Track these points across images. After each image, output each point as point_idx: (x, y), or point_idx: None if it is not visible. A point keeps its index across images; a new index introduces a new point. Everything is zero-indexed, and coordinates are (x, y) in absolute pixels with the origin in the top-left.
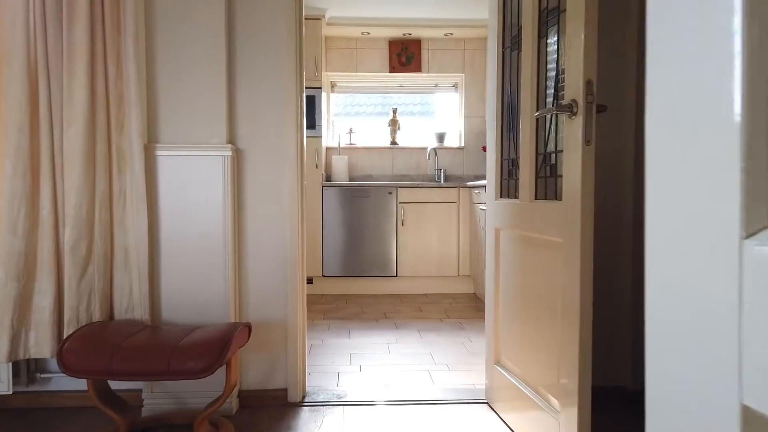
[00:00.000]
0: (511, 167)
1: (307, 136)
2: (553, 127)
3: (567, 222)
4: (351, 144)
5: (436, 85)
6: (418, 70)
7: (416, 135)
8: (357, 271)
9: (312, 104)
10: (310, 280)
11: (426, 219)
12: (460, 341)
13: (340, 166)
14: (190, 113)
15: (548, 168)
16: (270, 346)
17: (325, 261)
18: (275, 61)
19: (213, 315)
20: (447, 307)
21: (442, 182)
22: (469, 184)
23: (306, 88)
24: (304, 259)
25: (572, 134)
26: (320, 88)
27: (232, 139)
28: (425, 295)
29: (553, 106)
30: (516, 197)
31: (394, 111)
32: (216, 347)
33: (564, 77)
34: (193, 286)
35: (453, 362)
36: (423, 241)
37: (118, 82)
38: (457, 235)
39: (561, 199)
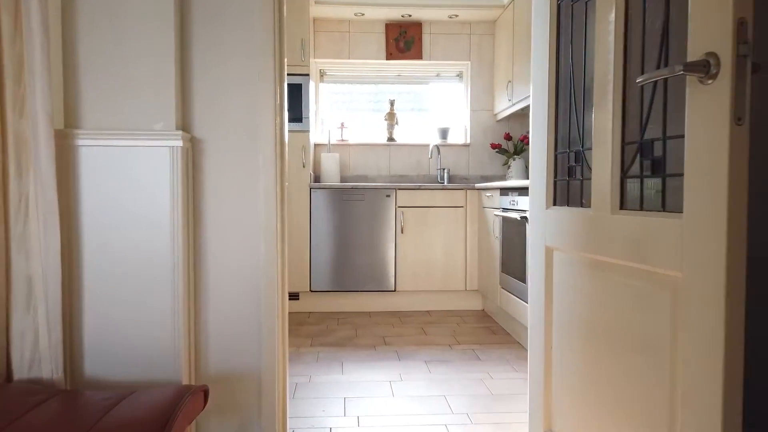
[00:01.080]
0: (572, 163)
1: (292, 131)
2: (655, 102)
3: (693, 247)
4: (343, 140)
5: (438, 75)
6: (419, 57)
7: (416, 130)
8: (350, 285)
9: (297, 94)
10: (296, 296)
11: (428, 225)
12: (478, 377)
13: (330, 165)
14: (125, 89)
15: (648, 163)
16: (237, 408)
17: (313, 274)
18: (248, 37)
19: (157, 369)
20: (455, 329)
21: (446, 184)
22: (478, 186)
23: (290, 75)
24: (286, 284)
25: (706, 109)
26: (307, 75)
27: (185, 126)
28: (428, 312)
29: (662, 67)
30: (582, 205)
31: (392, 103)
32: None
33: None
34: (130, 329)
35: (475, 410)
36: (425, 250)
37: (16, 41)
38: (464, 244)
39: (677, 211)
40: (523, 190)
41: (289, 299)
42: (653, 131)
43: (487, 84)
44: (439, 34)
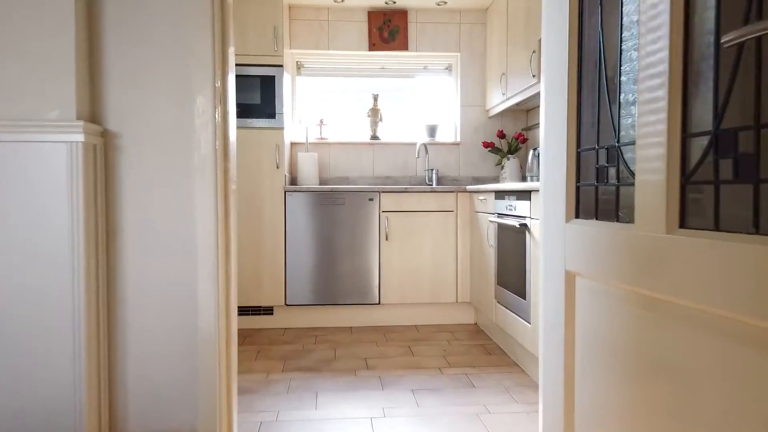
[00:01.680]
0: (602, 163)
1: (264, 128)
2: (740, 76)
3: None
4: (322, 138)
5: (425, 67)
6: (404, 48)
7: (402, 128)
8: (330, 298)
9: (270, 87)
10: (269, 311)
11: (416, 232)
12: (473, 412)
13: (308, 165)
14: (10, 68)
15: (728, 163)
16: None
17: (288, 286)
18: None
19: None
20: (446, 347)
21: (435, 186)
22: (470, 188)
23: (261, 65)
24: (233, 315)
25: None
26: (281, 66)
27: (94, 116)
28: (416, 328)
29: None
30: (618, 219)
31: (375, 98)
32: None
33: None
34: (16, 390)
35: None
36: (412, 259)
37: None
38: (454, 252)
39: None
40: (522, 194)
41: (262, 314)
42: (734, 117)
43: (479, 77)
44: (426, 23)
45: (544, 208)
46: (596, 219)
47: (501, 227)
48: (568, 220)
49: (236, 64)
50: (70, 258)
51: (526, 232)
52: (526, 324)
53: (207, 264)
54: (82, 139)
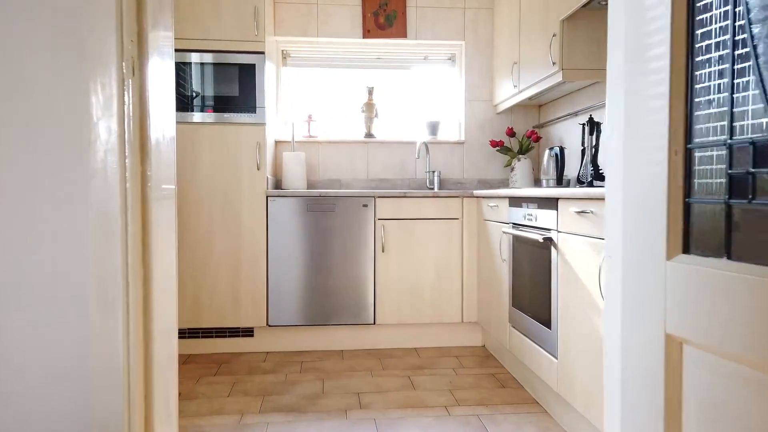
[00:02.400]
0: (742, 168)
1: (241, 123)
2: None
3: None
4: (310, 136)
5: (426, 58)
6: (402, 35)
7: (400, 125)
8: (318, 317)
9: (249, 77)
10: (249, 332)
11: (416, 242)
12: None
13: (294, 166)
14: None
15: None
16: None
17: (271, 304)
18: None
19: None
20: (452, 378)
21: (437, 190)
22: (478, 193)
23: (238, 52)
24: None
25: None
26: (262, 53)
27: None
28: (416, 351)
29: None
30: None
31: (370, 91)
32: None
33: None
34: None
35: None
36: (412, 273)
37: None
38: (459, 265)
39: None
40: (545, 201)
41: (241, 336)
42: None
43: (486, 69)
44: (426, 8)
45: (614, 232)
46: (727, 258)
47: (517, 240)
48: (670, 256)
49: (211, 50)
50: None
51: (552, 248)
52: (551, 358)
53: (109, 308)
54: None
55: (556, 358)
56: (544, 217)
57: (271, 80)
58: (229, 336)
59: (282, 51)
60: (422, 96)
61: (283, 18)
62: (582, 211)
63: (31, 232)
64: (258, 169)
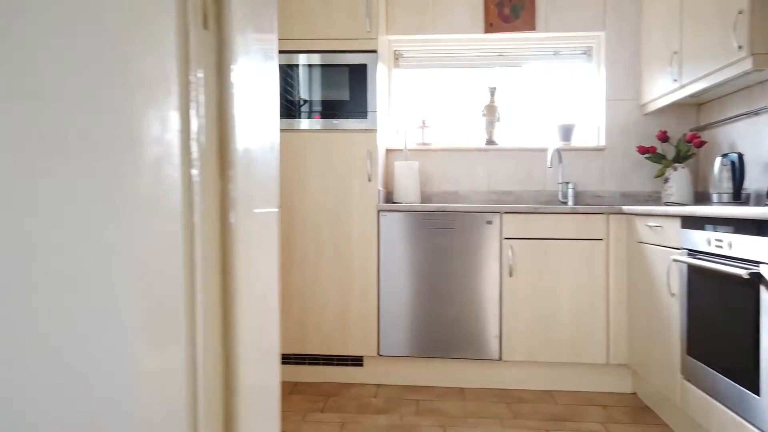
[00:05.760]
0: None
1: (351, 130)
2: None
3: None
4: (423, 144)
5: (556, 52)
6: (530, 27)
7: (526, 130)
8: (435, 349)
9: (360, 79)
10: (359, 361)
11: (550, 266)
12: None
13: (407, 177)
14: None
15: None
16: None
17: (383, 332)
18: None
19: None
20: None
21: (572, 204)
22: (629, 209)
23: (349, 51)
24: None
25: None
26: (374, 52)
27: None
28: (552, 395)
29: None
30: None
31: (492, 92)
32: None
33: None
34: None
35: None
36: (545, 302)
37: None
38: (605, 295)
39: None
40: (745, 224)
41: (350, 365)
42: None
43: (630, 63)
44: None
45: None
46: None
47: (697, 271)
48: None
49: (319, 51)
50: None
51: (762, 288)
52: (751, 427)
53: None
54: None
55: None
56: (745, 245)
57: (382, 82)
58: (337, 364)
59: (394, 51)
60: (552, 96)
61: (396, 15)
62: None
63: (75, 268)
64: (369, 181)
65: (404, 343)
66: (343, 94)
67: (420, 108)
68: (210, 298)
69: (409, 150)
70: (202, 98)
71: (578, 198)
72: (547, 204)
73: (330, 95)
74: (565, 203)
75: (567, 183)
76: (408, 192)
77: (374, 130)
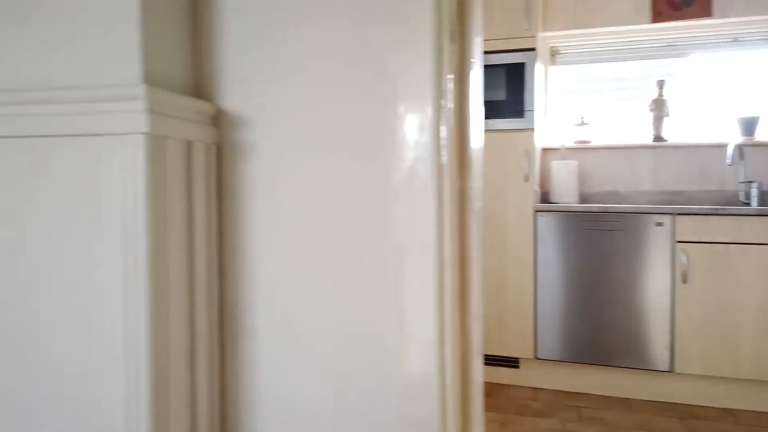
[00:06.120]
0: None
1: (508, 129)
2: None
3: None
4: (581, 142)
5: (735, 39)
6: (706, 14)
7: (698, 124)
8: (595, 355)
9: (518, 78)
10: (514, 363)
11: (730, 274)
12: None
13: (564, 177)
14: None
15: None
16: None
17: (540, 334)
18: None
19: None
20: None
21: (756, 206)
22: None
23: (507, 52)
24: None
25: None
26: (533, 50)
27: (202, 86)
28: (733, 414)
29: None
30: None
31: (660, 86)
32: None
33: None
34: None
35: None
36: (725, 313)
37: None
38: None
39: None
40: None
41: (505, 366)
42: None
43: None
44: None
45: None
46: None
47: None
48: None
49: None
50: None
51: None
52: None
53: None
54: (146, 129)
55: None
56: None
57: (539, 81)
58: (493, 364)
59: (550, 48)
60: (730, 87)
61: (553, 12)
62: None
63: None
64: (525, 180)
65: (562, 347)
66: (500, 94)
67: (577, 105)
68: (450, 293)
69: (566, 149)
70: (450, 105)
71: (764, 198)
72: (726, 205)
73: (487, 95)
74: (748, 204)
75: (750, 182)
76: (565, 192)
77: (531, 130)
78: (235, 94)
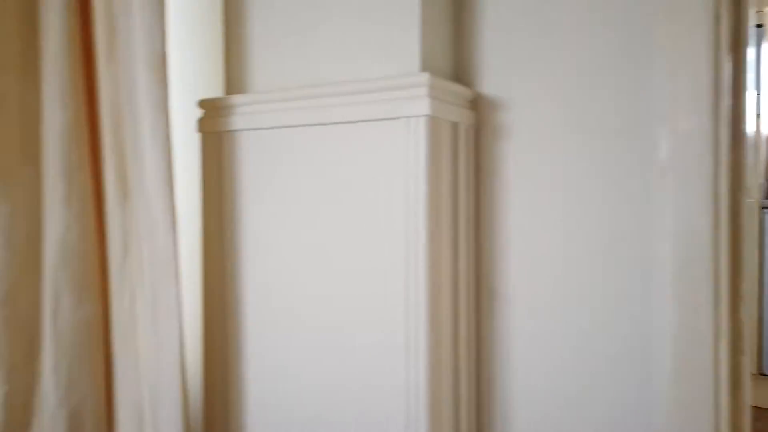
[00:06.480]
0: None
1: None
2: None
3: None
4: None
5: None
6: None
7: None
8: None
9: (754, 55)
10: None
11: None
12: None
13: None
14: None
15: None
16: None
17: (765, 347)
18: None
19: None
20: None
21: None
22: None
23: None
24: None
25: None
26: (761, 26)
27: (462, 72)
28: None
29: None
30: None
31: None
32: None
33: None
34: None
35: None
36: None
37: None
38: None
39: None
40: None
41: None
42: None
43: None
44: None
45: None
46: None
47: None
48: None
49: None
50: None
51: None
52: None
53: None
54: (428, 112)
55: None
56: None
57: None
58: None
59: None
60: None
61: None
62: None
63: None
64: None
65: None
66: None
67: None
68: (724, 284)
69: None
70: (727, 75)
71: None
72: None
73: None
74: None
75: None
76: None
77: (758, 114)
78: (492, 79)
